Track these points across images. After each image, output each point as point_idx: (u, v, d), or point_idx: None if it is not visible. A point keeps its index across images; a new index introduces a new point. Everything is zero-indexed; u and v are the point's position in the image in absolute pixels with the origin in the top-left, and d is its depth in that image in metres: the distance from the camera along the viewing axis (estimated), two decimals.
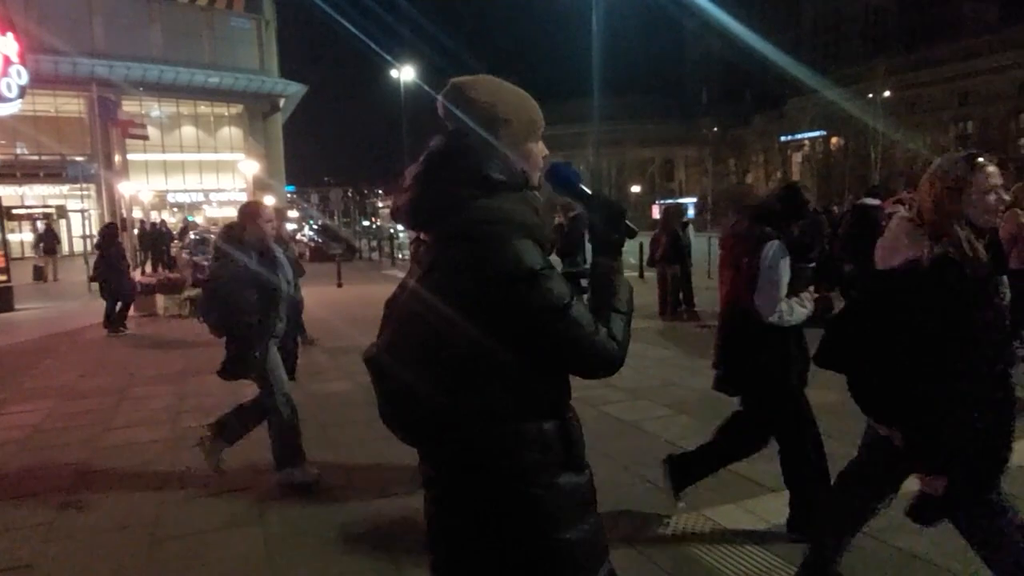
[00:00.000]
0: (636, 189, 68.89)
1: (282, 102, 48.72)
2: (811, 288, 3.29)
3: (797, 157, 39.75)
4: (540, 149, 1.57)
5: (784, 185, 3.52)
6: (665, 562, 3.16)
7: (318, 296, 13.28)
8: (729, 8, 52.52)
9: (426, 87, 32.72)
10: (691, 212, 29.36)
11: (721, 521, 3.52)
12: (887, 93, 49.22)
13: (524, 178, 1.49)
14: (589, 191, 1.56)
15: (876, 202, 9.81)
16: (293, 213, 58.79)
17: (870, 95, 47.92)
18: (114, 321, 10.35)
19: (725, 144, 70.41)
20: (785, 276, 3.13)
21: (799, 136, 62.16)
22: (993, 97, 53.12)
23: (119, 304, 10.46)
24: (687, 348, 8.15)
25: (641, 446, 4.73)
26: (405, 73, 32.68)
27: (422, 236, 1.54)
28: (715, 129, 69.36)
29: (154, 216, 34.67)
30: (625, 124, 67.98)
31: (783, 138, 64.62)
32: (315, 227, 32.97)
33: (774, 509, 3.59)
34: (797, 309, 3.16)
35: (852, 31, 75.04)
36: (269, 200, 47.92)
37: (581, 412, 1.57)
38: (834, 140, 59.87)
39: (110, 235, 10.85)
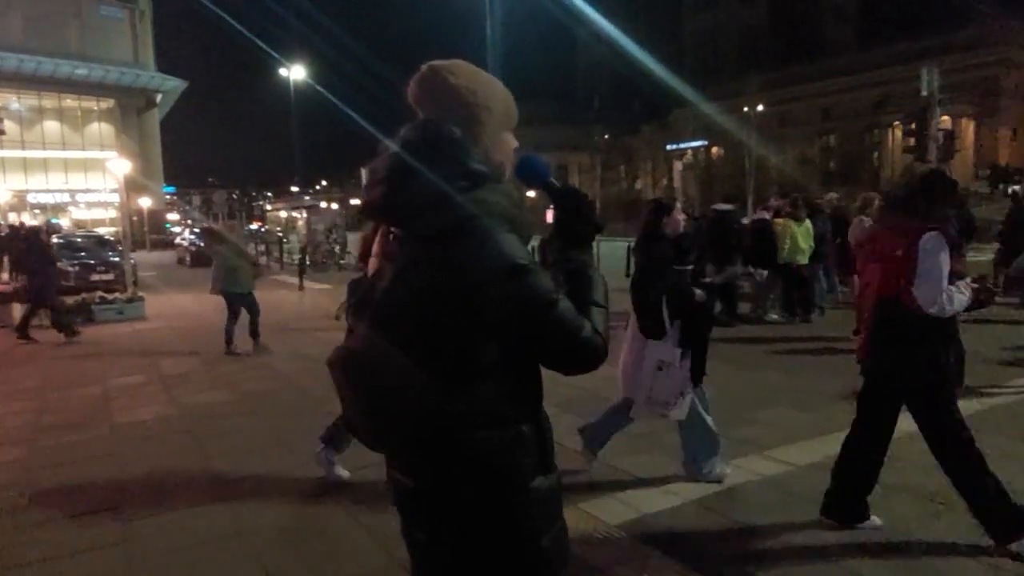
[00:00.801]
0: (531, 194, 69.71)
1: (159, 97, 46.08)
2: (968, 277, 3.17)
3: (678, 165, 41.63)
4: (512, 140, 1.51)
5: (926, 172, 3.36)
6: None
7: (201, 302, 12.65)
8: (616, 20, 54.47)
9: (317, 86, 31.95)
10: None
11: (598, 514, 3.63)
12: (760, 107, 52.59)
13: (502, 169, 1.44)
14: (558, 184, 1.52)
15: (729, 207, 10.90)
16: (173, 215, 55.61)
17: (745, 108, 51.04)
18: (20, 328, 9.63)
19: (615, 151, 72.82)
20: (946, 265, 3.00)
21: (683, 145, 65.27)
22: (852, 113, 57.98)
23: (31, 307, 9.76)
24: None
25: None
26: (295, 71, 31.68)
27: (392, 231, 1.44)
28: (606, 136, 71.57)
29: (12, 218, 31.73)
30: (520, 129, 68.08)
31: (669, 147, 67.57)
32: (196, 231, 31.37)
33: (648, 499, 3.78)
34: (957, 297, 3.03)
35: (729, 47, 79.57)
36: (145, 202, 44.81)
37: None
38: (714, 150, 63.40)
39: (33, 237, 10.24)
